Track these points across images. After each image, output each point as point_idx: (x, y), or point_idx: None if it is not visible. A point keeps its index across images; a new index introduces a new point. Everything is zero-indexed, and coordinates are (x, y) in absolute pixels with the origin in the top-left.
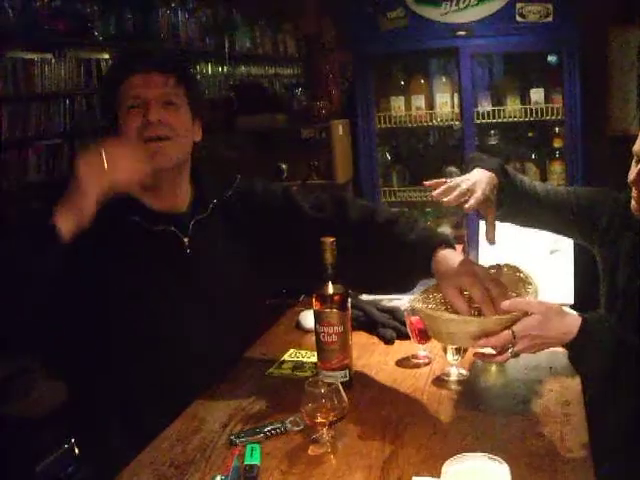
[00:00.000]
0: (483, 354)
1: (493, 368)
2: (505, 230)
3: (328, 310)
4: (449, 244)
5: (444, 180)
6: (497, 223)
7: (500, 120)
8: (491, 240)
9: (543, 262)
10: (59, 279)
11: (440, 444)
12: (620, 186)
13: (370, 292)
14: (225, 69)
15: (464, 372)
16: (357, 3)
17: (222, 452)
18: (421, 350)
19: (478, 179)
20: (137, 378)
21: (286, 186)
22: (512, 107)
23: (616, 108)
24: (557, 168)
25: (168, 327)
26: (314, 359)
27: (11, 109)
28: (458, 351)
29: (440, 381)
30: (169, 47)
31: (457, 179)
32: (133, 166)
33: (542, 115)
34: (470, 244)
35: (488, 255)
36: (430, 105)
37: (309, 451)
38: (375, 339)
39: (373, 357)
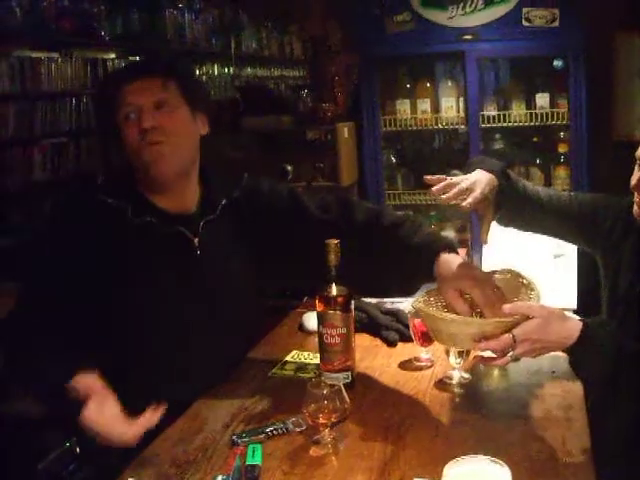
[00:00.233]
0: (483, 357)
1: (495, 372)
2: (509, 234)
3: (331, 312)
4: (452, 248)
5: (444, 177)
6: (501, 227)
7: (505, 124)
8: (484, 240)
9: (547, 266)
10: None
11: (442, 447)
12: (624, 191)
13: (373, 295)
14: (231, 70)
15: (466, 375)
16: (364, 5)
17: (224, 452)
18: (424, 353)
19: (478, 179)
20: (138, 378)
21: (292, 187)
22: (517, 111)
23: (621, 113)
24: (562, 173)
25: (175, 327)
26: (317, 361)
27: (17, 107)
28: (461, 354)
29: (442, 384)
30: (174, 47)
31: (457, 177)
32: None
33: (547, 120)
34: (474, 248)
35: (492, 259)
36: (436, 109)
37: (311, 452)
38: (378, 341)
39: (376, 359)
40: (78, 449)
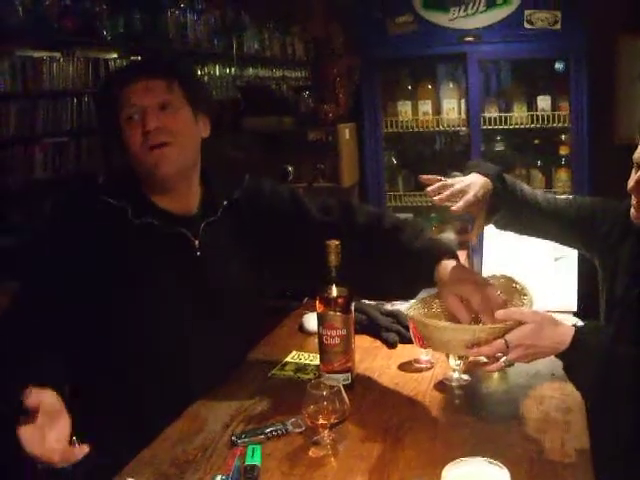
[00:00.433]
0: (476, 362)
1: (495, 374)
2: (510, 236)
3: (332, 313)
4: (453, 254)
5: (439, 178)
6: (499, 231)
7: (507, 126)
8: (472, 239)
9: (548, 269)
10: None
11: (441, 448)
12: (625, 194)
13: (373, 298)
14: (233, 70)
15: (466, 377)
16: (365, 7)
17: (223, 452)
18: (423, 354)
19: (472, 181)
20: (138, 378)
21: (293, 188)
22: (519, 114)
23: (623, 116)
24: (563, 176)
25: (175, 327)
26: (317, 362)
27: (19, 106)
28: (460, 356)
29: (442, 386)
30: (176, 48)
31: (452, 179)
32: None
33: (549, 122)
34: (474, 250)
35: (492, 261)
36: (437, 110)
37: (310, 453)
38: (378, 343)
39: (376, 360)
40: None
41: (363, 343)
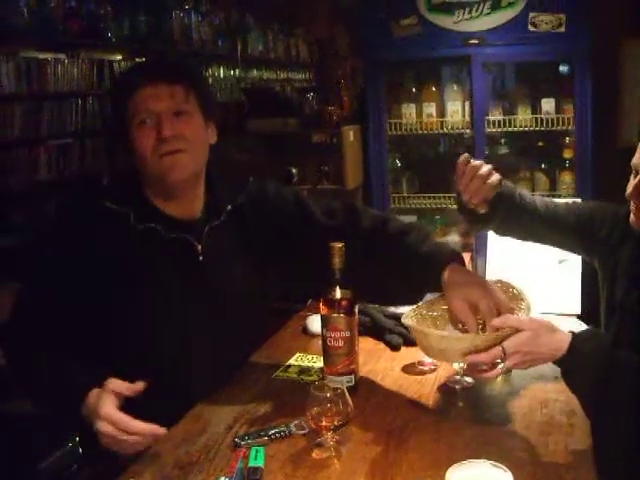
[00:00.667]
0: (475, 369)
1: (498, 377)
2: (513, 240)
3: (335, 315)
4: (459, 259)
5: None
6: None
7: (511, 129)
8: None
9: (551, 272)
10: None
11: (444, 451)
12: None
13: (377, 302)
14: (237, 72)
15: (469, 380)
16: (370, 9)
17: (226, 454)
18: (427, 357)
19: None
20: (142, 380)
21: (297, 191)
22: (523, 116)
23: (627, 119)
24: (567, 178)
25: (178, 330)
26: (320, 364)
27: (24, 108)
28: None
29: (445, 388)
30: (181, 49)
31: (478, 162)
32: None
33: (553, 125)
34: (478, 252)
35: (495, 264)
36: (441, 113)
37: (313, 455)
38: (382, 345)
39: (379, 363)
40: (81, 449)
41: (366, 345)
